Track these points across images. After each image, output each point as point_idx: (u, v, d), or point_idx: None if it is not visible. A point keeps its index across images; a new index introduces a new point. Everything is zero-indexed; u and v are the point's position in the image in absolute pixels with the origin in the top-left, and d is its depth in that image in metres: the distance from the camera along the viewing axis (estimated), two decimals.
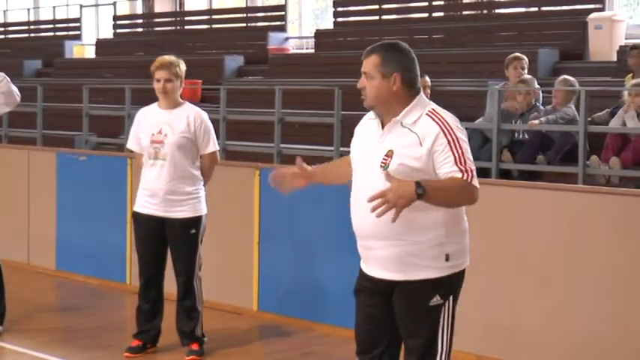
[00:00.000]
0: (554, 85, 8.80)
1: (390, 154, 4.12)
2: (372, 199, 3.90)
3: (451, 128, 4.11)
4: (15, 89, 7.15)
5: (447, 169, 4.06)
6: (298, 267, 7.92)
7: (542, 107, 8.91)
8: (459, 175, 4.05)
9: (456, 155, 4.07)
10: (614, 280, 6.26)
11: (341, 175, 4.56)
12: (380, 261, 4.22)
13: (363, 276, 4.36)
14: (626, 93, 8.52)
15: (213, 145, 6.68)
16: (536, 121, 8.56)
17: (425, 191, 3.91)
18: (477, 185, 4.11)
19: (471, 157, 4.13)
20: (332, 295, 7.58)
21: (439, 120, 4.12)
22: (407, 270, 4.18)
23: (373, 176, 4.14)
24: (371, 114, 4.36)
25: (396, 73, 4.17)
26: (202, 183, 6.70)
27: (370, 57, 4.22)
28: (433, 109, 4.18)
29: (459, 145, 4.09)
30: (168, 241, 6.68)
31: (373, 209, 3.89)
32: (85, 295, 8.89)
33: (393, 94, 4.17)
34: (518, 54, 9.41)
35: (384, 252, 4.18)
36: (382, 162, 4.13)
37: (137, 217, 6.77)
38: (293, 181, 4.63)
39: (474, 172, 4.10)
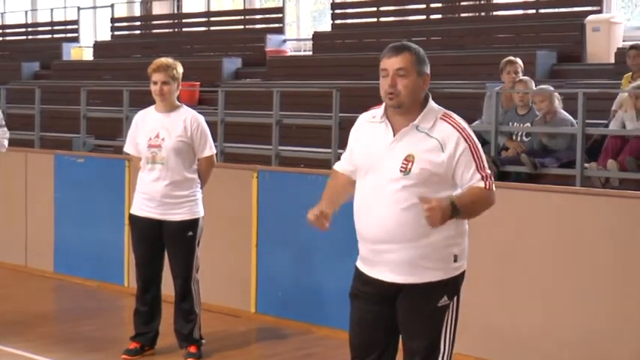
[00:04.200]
0: (532, 98, 8.76)
1: (410, 159, 4.11)
2: (424, 201, 3.95)
3: (469, 133, 4.16)
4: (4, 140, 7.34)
5: (469, 175, 4.12)
6: (296, 269, 7.92)
7: (537, 110, 8.89)
8: (482, 183, 4.13)
9: (477, 161, 4.14)
10: (612, 281, 6.26)
11: (344, 197, 4.47)
12: (391, 264, 4.20)
13: (362, 280, 4.33)
14: (625, 94, 8.52)
15: (210, 149, 6.68)
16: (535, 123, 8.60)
17: (459, 213, 4.04)
18: (495, 188, 4.20)
19: (485, 159, 4.20)
20: (330, 298, 7.58)
21: (456, 125, 4.16)
22: (418, 272, 4.18)
23: (388, 181, 4.14)
24: (368, 117, 4.33)
25: (427, 72, 4.22)
26: (199, 186, 6.70)
27: (402, 54, 4.15)
28: (446, 113, 4.21)
29: (478, 149, 4.16)
30: (166, 244, 6.69)
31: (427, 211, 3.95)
32: (83, 298, 8.88)
33: (422, 94, 4.20)
34: (511, 58, 9.42)
35: (396, 255, 4.17)
36: (402, 167, 4.11)
37: (134, 219, 6.77)
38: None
39: (492, 177, 4.19)
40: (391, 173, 4.13)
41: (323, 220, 4.35)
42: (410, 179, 4.09)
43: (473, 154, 4.13)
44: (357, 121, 4.41)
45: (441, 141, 4.11)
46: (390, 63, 4.15)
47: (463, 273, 4.30)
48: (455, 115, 4.22)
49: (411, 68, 4.14)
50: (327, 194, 4.50)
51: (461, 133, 4.13)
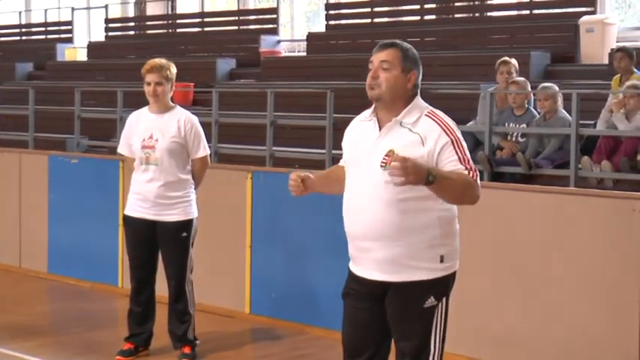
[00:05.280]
0: (538, 96, 8.76)
1: (390, 154, 4.11)
2: (394, 160, 3.87)
3: (452, 128, 4.16)
4: None
5: (452, 167, 4.09)
6: (290, 270, 7.92)
7: (534, 110, 8.89)
8: (466, 172, 4.10)
9: (460, 155, 4.12)
10: (605, 281, 6.27)
11: (337, 184, 4.47)
12: (375, 262, 4.21)
13: (352, 278, 4.35)
14: (612, 95, 8.53)
15: (203, 150, 6.68)
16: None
17: (435, 179, 3.93)
18: (480, 185, 4.16)
19: (470, 157, 4.18)
20: (324, 298, 7.58)
21: (439, 121, 4.17)
22: (402, 271, 4.17)
23: (372, 176, 4.15)
24: (362, 116, 4.37)
25: (414, 71, 4.23)
26: (193, 187, 6.70)
27: (390, 49, 4.22)
28: (431, 111, 4.23)
29: (461, 144, 4.15)
30: (160, 245, 6.68)
31: (391, 167, 3.87)
32: (77, 299, 8.87)
33: (405, 90, 4.22)
34: (506, 58, 9.41)
35: (380, 253, 4.17)
36: (383, 162, 4.12)
37: (128, 220, 6.76)
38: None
39: (477, 171, 4.16)
40: (373, 169, 4.15)
41: (301, 185, 4.37)
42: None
43: (455, 149, 4.11)
44: (353, 120, 4.44)
45: (422, 135, 4.12)
46: (377, 56, 4.23)
47: (453, 274, 4.28)
48: (441, 113, 4.23)
49: (396, 63, 4.19)
50: (324, 173, 4.61)
51: (443, 129, 4.13)
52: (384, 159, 4.13)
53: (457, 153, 4.11)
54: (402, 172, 3.84)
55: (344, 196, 4.32)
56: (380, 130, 4.22)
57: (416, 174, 3.86)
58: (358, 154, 4.27)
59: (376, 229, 4.15)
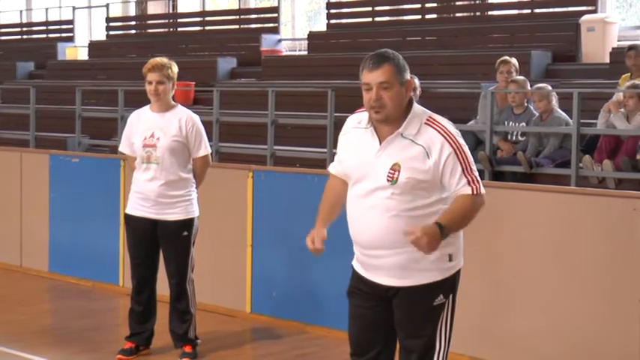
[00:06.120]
0: (534, 96, 8.74)
1: (397, 168, 4.10)
2: (408, 234, 3.97)
3: (454, 136, 4.14)
4: None
5: (456, 180, 4.11)
6: (291, 269, 7.92)
7: (534, 110, 8.90)
8: (469, 189, 4.12)
9: (463, 165, 4.12)
10: (606, 281, 6.27)
11: (340, 209, 4.46)
12: (384, 269, 4.22)
13: (357, 278, 4.36)
14: (617, 94, 8.52)
15: (205, 149, 6.68)
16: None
17: (449, 231, 4.03)
18: (484, 191, 4.18)
19: (473, 161, 4.18)
20: (325, 297, 7.58)
21: (441, 129, 4.14)
22: (412, 276, 4.20)
23: (377, 188, 4.14)
24: (354, 122, 4.33)
25: (407, 78, 4.17)
26: (194, 186, 6.70)
27: (383, 66, 4.09)
28: (431, 117, 4.18)
29: (464, 152, 4.14)
30: (161, 244, 6.68)
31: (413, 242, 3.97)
32: (78, 297, 8.87)
33: (405, 101, 4.17)
34: (506, 58, 9.41)
35: (390, 260, 4.19)
36: (389, 176, 4.11)
37: (129, 219, 6.77)
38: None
39: (479, 179, 4.17)
40: (379, 182, 4.14)
41: (320, 245, 4.38)
42: (397, 188, 4.10)
43: (459, 158, 4.11)
44: (345, 125, 4.40)
45: (426, 147, 4.10)
46: (373, 77, 4.10)
47: (459, 271, 4.31)
48: (439, 118, 4.19)
49: (394, 80, 4.09)
50: (324, 209, 4.51)
51: (445, 138, 4.11)
52: (390, 173, 4.12)
53: (461, 163, 4.11)
54: (422, 248, 3.98)
55: (348, 206, 4.31)
56: (380, 142, 4.18)
57: (432, 242, 3.97)
58: (360, 166, 4.23)
59: (384, 239, 4.16)
